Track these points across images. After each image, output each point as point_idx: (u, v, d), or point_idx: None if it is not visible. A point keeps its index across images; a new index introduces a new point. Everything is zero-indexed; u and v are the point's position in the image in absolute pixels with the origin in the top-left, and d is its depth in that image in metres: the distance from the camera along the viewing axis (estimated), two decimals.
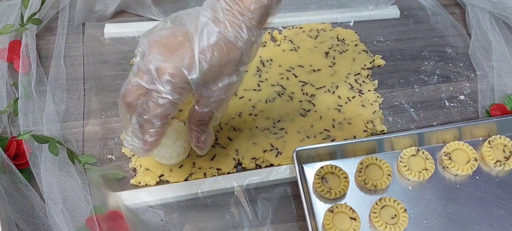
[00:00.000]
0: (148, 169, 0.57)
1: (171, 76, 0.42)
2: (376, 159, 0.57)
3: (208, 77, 0.44)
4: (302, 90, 0.66)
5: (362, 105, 0.65)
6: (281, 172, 0.58)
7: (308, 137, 0.61)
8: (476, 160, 0.57)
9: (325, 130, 0.62)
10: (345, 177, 0.55)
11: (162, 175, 0.57)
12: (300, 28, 0.74)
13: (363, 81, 0.67)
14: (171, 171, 0.58)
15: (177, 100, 0.43)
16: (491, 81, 0.68)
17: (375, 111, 0.64)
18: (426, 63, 0.72)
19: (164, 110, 0.43)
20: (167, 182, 0.57)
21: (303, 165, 0.57)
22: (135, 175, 0.57)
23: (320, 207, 0.54)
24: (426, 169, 0.56)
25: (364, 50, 0.71)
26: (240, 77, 0.46)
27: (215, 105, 0.47)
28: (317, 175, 0.55)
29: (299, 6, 0.76)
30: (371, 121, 0.63)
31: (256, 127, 0.62)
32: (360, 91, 0.66)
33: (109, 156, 0.59)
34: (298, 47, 0.71)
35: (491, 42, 0.72)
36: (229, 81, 0.46)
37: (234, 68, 0.45)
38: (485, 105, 0.66)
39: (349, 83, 0.67)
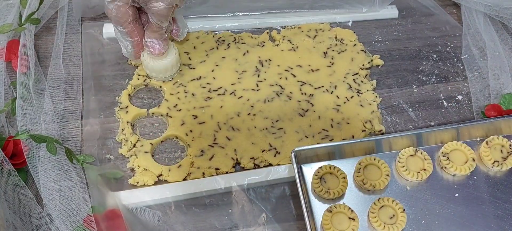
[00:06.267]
0: (146, 169, 0.57)
1: None
2: (375, 159, 0.57)
3: None
4: (300, 90, 0.66)
5: (361, 105, 0.65)
6: (280, 172, 0.58)
7: (307, 137, 0.61)
8: (474, 160, 0.57)
9: (323, 129, 0.62)
10: (344, 177, 0.55)
11: (161, 175, 0.58)
12: (298, 28, 0.74)
13: (362, 81, 0.68)
14: (169, 170, 0.58)
15: None
16: (487, 81, 0.68)
17: (373, 111, 0.64)
18: (424, 63, 0.72)
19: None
20: (166, 181, 0.57)
21: (302, 165, 0.57)
22: (134, 175, 0.57)
23: (319, 207, 0.54)
24: (424, 169, 0.56)
25: (362, 50, 0.71)
26: None
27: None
28: (316, 175, 0.55)
29: (298, 6, 0.76)
30: (370, 121, 0.63)
31: (255, 127, 0.62)
32: (359, 91, 0.66)
33: (108, 156, 0.59)
34: (297, 47, 0.71)
35: (485, 42, 0.72)
36: None
37: None
38: (480, 106, 0.66)
39: (348, 83, 0.67)
